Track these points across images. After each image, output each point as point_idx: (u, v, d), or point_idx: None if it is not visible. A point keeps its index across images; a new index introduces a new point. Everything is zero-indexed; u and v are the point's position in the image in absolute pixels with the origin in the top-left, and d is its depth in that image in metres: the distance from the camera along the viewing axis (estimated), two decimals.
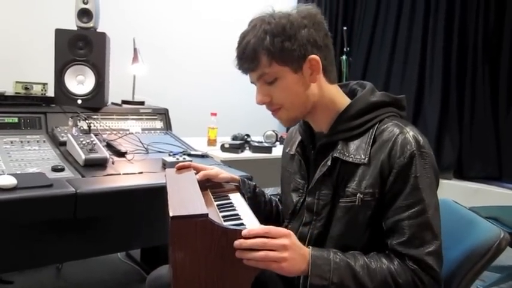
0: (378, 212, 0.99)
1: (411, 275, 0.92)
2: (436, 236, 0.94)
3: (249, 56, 1.00)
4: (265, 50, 0.99)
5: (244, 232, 0.88)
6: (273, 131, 2.92)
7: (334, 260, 0.93)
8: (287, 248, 0.89)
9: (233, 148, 2.59)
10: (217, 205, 1.10)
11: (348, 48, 3.35)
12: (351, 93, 1.12)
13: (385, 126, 1.02)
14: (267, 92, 1.04)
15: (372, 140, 1.01)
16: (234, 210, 1.07)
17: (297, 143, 1.18)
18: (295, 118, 1.09)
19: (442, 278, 0.94)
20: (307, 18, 1.01)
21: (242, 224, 0.95)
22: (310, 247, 0.96)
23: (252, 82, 1.08)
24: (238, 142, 2.66)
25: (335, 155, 1.03)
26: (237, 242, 0.87)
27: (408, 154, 0.95)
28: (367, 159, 1.00)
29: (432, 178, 0.97)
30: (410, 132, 0.98)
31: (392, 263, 0.94)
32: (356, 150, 1.02)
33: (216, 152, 2.50)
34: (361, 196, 0.99)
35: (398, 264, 0.93)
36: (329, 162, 1.04)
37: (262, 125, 2.82)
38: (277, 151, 2.69)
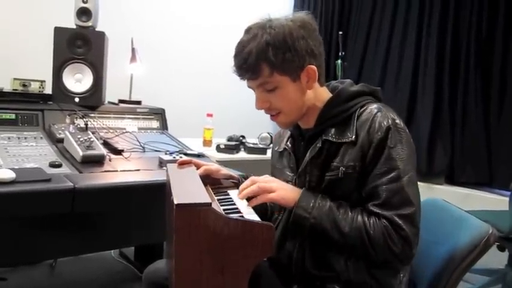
0: (359, 184, 1.05)
1: (382, 231, 0.98)
2: (409, 203, 1.00)
3: (251, 66, 1.05)
4: (267, 61, 1.04)
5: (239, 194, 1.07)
6: (268, 133, 2.94)
7: (321, 200, 1.05)
8: (271, 181, 1.09)
9: (228, 149, 2.62)
10: (218, 199, 1.13)
11: (343, 53, 3.39)
12: (333, 91, 1.18)
13: (365, 108, 1.09)
14: (266, 98, 1.11)
15: (355, 122, 1.08)
16: (234, 204, 1.10)
17: (285, 139, 1.25)
18: (293, 121, 1.17)
19: (416, 244, 1.00)
20: (303, 28, 1.07)
21: (242, 217, 0.98)
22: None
23: (249, 87, 1.13)
24: (233, 143, 2.68)
25: (324, 137, 1.10)
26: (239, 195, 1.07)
27: (385, 128, 1.03)
28: (354, 137, 1.07)
29: (407, 151, 1.03)
30: (388, 113, 1.06)
31: (369, 218, 1.01)
32: (343, 132, 1.09)
33: (211, 153, 2.52)
34: (344, 169, 1.06)
35: (374, 220, 1.00)
36: (319, 144, 1.10)
37: (258, 127, 2.85)
38: None
